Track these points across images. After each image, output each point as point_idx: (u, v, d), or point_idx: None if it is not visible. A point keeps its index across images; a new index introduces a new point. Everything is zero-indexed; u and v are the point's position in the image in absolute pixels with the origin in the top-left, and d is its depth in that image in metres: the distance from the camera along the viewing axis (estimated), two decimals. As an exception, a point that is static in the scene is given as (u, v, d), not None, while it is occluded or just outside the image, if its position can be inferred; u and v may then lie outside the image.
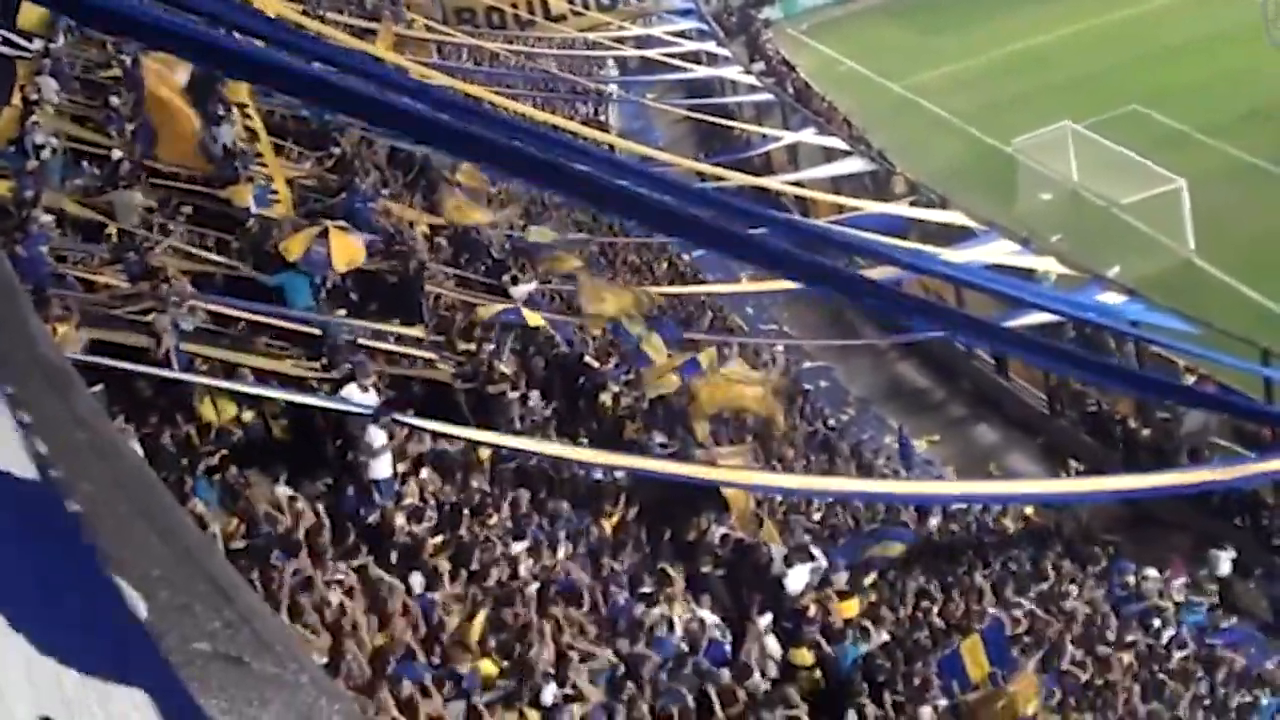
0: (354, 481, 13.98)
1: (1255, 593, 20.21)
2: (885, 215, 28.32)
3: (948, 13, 48.40)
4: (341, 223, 19.11)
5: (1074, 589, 18.24)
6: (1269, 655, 17.99)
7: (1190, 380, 22.35)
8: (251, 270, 18.03)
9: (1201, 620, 18.63)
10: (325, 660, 9.78)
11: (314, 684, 1.73)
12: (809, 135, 36.89)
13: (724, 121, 40.91)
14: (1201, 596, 19.32)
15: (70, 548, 1.66)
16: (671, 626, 13.42)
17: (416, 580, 12.24)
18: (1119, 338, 24.18)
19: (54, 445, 1.81)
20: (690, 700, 11.83)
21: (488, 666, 11.32)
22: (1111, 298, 23.65)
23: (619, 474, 16.58)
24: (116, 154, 19.21)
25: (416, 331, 18.64)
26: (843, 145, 35.44)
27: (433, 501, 14.21)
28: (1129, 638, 17.00)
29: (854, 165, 34.45)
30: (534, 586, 12.75)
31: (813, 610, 14.38)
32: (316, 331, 17.34)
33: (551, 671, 11.29)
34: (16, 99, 19.46)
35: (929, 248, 24.69)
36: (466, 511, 14.09)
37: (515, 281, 21.65)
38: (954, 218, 28.80)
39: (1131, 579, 18.98)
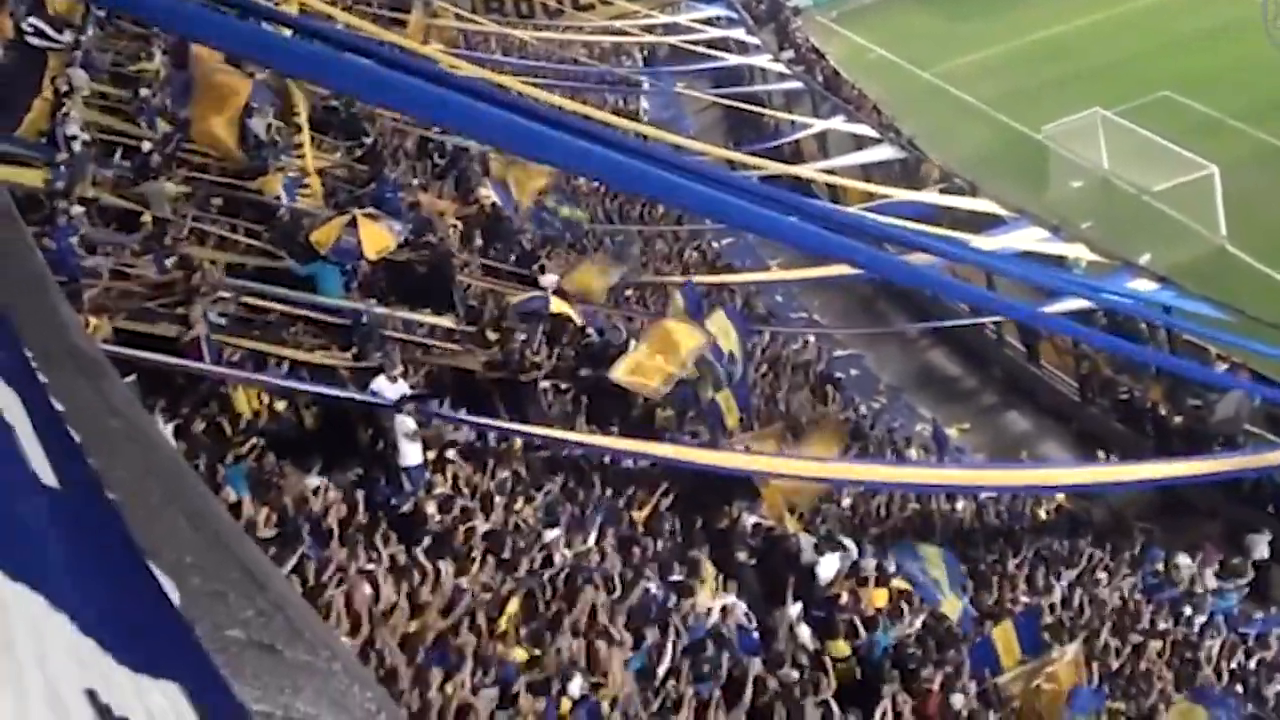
0: (385, 470, 14.05)
1: (1287, 580, 20.07)
2: (915, 203, 28.20)
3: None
4: (370, 210, 19.17)
5: (1105, 576, 18.19)
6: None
7: (1222, 368, 22.21)
8: (286, 260, 18.06)
9: (1233, 608, 18.53)
10: (357, 648, 9.83)
11: (346, 671, 1.74)
12: (839, 123, 36.75)
13: (754, 109, 40.81)
14: (1233, 584, 19.19)
15: (104, 534, 1.66)
16: (703, 615, 13.43)
17: (447, 568, 12.27)
18: (1151, 325, 24.03)
19: (88, 433, 1.82)
20: (719, 689, 11.85)
21: (519, 654, 11.35)
22: (1143, 285, 23.48)
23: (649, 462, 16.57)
24: (146, 145, 19.26)
25: (448, 321, 18.66)
26: (872, 133, 35.28)
27: (465, 490, 14.26)
28: (1161, 625, 16.93)
29: (884, 153, 34.29)
30: (565, 574, 12.78)
31: (845, 598, 14.39)
32: (347, 321, 17.41)
33: (582, 660, 11.31)
34: (48, 91, 19.51)
35: (960, 234, 24.61)
36: (498, 499, 14.14)
37: (544, 270, 21.60)
38: (984, 205, 28.66)
39: (1163, 566, 18.90)
